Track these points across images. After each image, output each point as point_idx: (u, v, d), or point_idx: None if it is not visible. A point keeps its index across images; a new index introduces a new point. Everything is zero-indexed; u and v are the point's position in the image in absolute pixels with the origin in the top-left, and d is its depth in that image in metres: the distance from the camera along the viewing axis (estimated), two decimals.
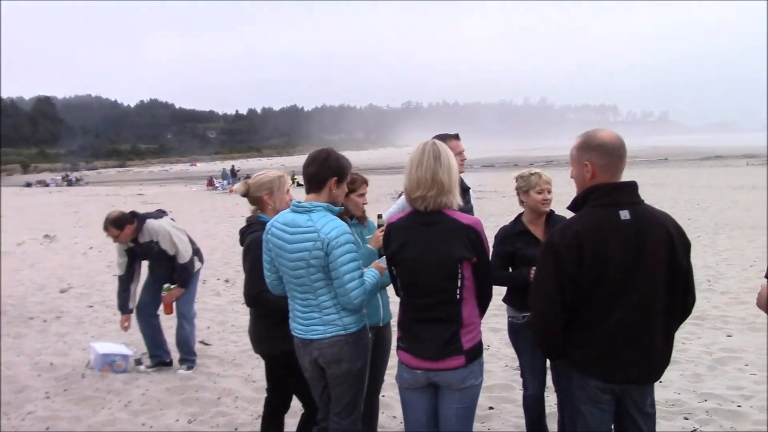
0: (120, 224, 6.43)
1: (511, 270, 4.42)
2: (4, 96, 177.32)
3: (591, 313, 2.96)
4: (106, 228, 6.51)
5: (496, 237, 4.53)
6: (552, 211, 4.46)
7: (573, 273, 2.91)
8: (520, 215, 4.54)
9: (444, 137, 4.43)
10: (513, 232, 4.45)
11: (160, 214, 6.84)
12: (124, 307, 6.70)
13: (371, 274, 3.62)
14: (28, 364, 6.84)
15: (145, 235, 6.52)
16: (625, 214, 2.93)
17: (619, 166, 3.02)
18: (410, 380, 3.42)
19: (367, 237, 4.19)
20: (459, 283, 3.22)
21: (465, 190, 4.90)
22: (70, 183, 69.38)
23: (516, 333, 4.55)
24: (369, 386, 4.36)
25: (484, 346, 6.51)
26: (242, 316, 8.47)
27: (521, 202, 4.51)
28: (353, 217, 4.25)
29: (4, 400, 5.80)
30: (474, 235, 3.22)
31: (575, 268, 2.90)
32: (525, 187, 4.44)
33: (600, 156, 3.02)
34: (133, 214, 6.58)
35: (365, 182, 4.29)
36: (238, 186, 4.46)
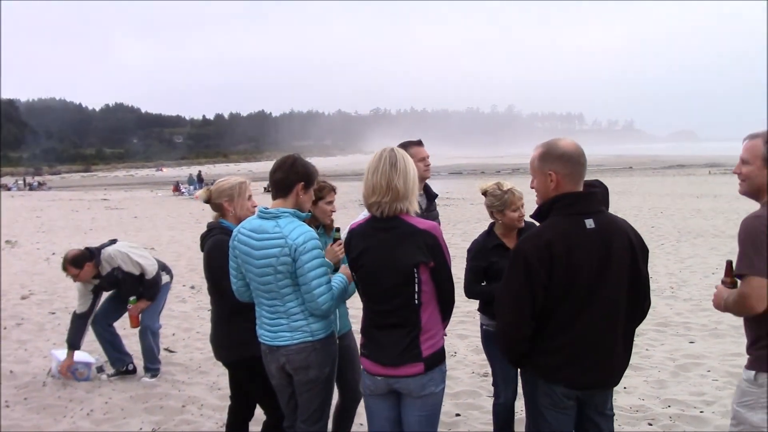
0: (79, 263, 6.25)
1: (485, 283, 4.40)
2: None
3: (559, 320, 2.99)
4: (65, 268, 6.33)
5: (469, 251, 4.49)
6: (526, 223, 4.43)
7: (544, 281, 2.93)
8: (492, 226, 4.48)
9: (407, 144, 4.45)
10: (487, 246, 4.39)
11: (111, 242, 6.69)
12: (76, 344, 6.47)
13: (339, 279, 3.63)
14: None
15: (105, 266, 6.36)
16: (590, 223, 2.97)
17: (582, 174, 3.06)
18: (372, 387, 3.41)
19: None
20: (416, 288, 3.21)
21: (432, 197, 4.90)
22: (32, 187, 68.21)
23: (489, 341, 4.52)
24: (346, 397, 4.35)
25: (451, 353, 6.56)
26: (208, 323, 8.25)
27: (495, 220, 4.43)
28: (320, 225, 4.22)
29: None
30: (431, 239, 3.22)
31: (546, 276, 2.92)
32: (500, 206, 4.34)
33: (563, 165, 3.05)
34: (90, 251, 6.40)
35: (333, 190, 4.28)
36: (201, 192, 4.43)
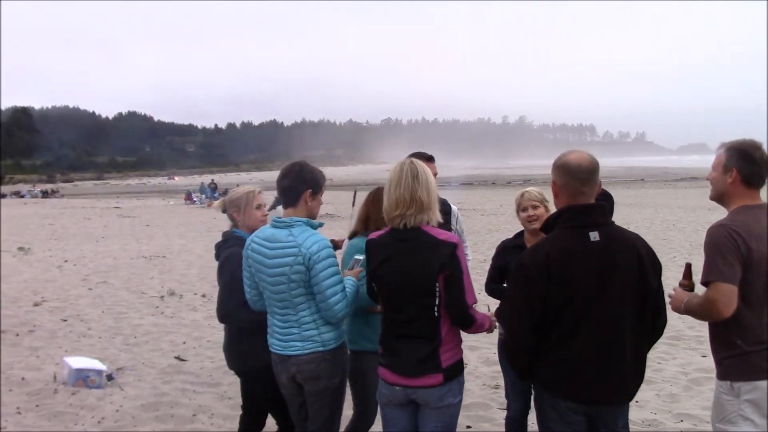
0: None
1: (505, 284, 4.41)
2: None
3: (560, 333, 2.98)
4: None
5: (496, 249, 4.61)
6: None
7: (542, 293, 2.93)
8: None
9: (418, 158, 4.45)
10: (508, 246, 4.49)
11: None
12: None
13: (349, 283, 3.64)
14: None
15: None
16: (595, 236, 2.96)
17: (580, 188, 3.03)
18: (389, 396, 3.42)
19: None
20: (436, 300, 3.22)
21: (446, 212, 4.90)
22: (45, 195, 68.62)
23: (502, 350, 4.54)
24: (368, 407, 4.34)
25: None
26: (218, 331, 8.34)
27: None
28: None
29: None
30: (449, 249, 3.22)
31: (544, 288, 2.93)
32: (517, 208, 4.50)
33: (559, 175, 3.08)
34: None
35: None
36: (218, 203, 4.48)
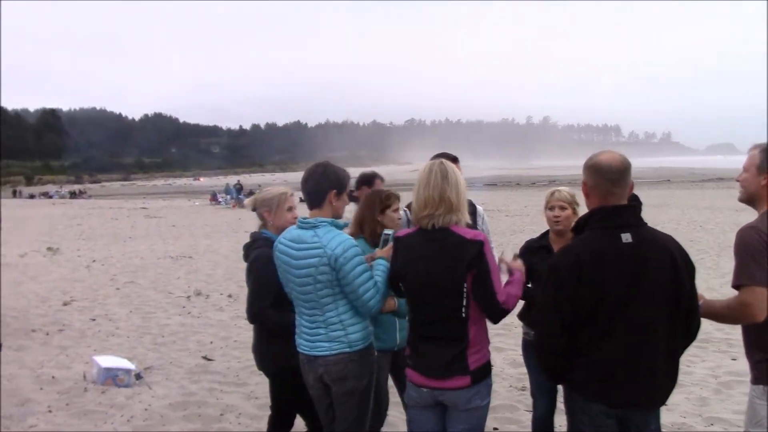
0: None
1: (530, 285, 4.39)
2: (9, 108, 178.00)
3: (591, 335, 2.95)
4: None
5: (521, 249, 4.53)
6: None
7: (572, 296, 2.91)
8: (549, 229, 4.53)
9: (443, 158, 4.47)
10: (533, 246, 4.44)
11: None
12: None
13: (379, 270, 3.60)
14: (30, 376, 6.81)
15: None
16: (626, 237, 2.92)
17: (611, 189, 2.99)
18: (417, 398, 3.42)
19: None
20: (464, 302, 3.22)
21: (472, 213, 4.90)
22: (73, 195, 69.48)
23: (527, 350, 4.57)
24: (379, 405, 4.37)
25: None
26: (245, 331, 8.45)
27: None
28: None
29: (6, 413, 5.77)
30: (477, 248, 3.21)
31: (574, 291, 2.90)
32: (545, 205, 4.48)
33: (590, 176, 3.05)
34: None
35: (398, 198, 4.38)
36: (249, 201, 4.50)
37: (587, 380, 2.99)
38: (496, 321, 3.34)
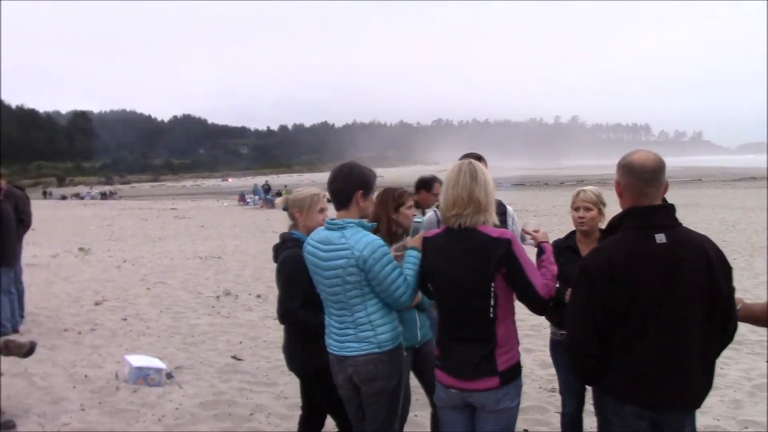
0: None
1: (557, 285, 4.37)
2: (41, 110, 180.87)
3: (624, 337, 2.91)
4: None
5: None
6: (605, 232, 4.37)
7: (605, 298, 2.87)
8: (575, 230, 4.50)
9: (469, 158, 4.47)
10: (560, 246, 4.40)
11: None
12: None
13: (411, 260, 3.58)
14: (63, 375, 6.91)
15: None
16: (661, 238, 2.88)
17: (644, 188, 2.95)
18: (446, 399, 3.41)
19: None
20: (492, 302, 3.20)
21: (502, 213, 4.89)
22: (104, 196, 70.39)
23: (554, 349, 4.56)
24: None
25: None
26: (274, 331, 8.49)
27: None
28: (405, 231, 4.26)
29: (40, 411, 5.86)
30: (504, 246, 3.19)
31: (607, 292, 2.86)
32: (571, 205, 4.45)
33: (623, 175, 3.01)
34: None
35: (411, 194, 4.36)
36: (280, 200, 4.53)
37: (620, 382, 2.96)
38: (542, 313, 3.39)
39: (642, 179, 2.95)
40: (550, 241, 3.76)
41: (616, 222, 3.03)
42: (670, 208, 3.00)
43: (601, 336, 2.93)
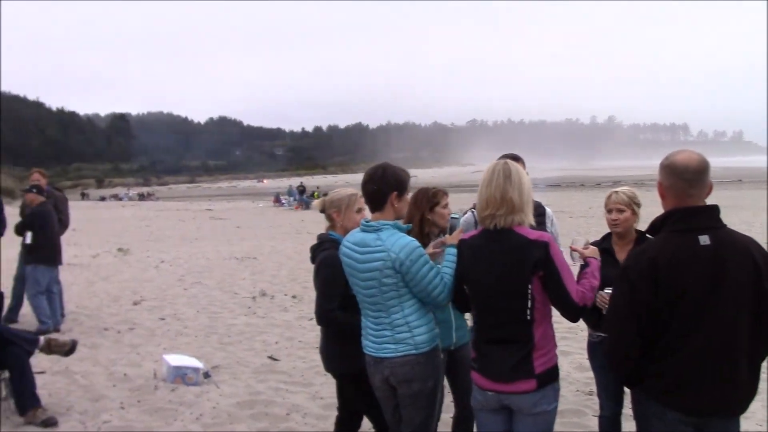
0: None
1: None
2: (81, 113, 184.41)
3: (668, 341, 2.86)
4: None
5: None
6: (642, 234, 4.31)
7: (647, 300, 2.83)
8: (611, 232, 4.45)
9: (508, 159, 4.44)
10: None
11: None
12: None
13: (449, 258, 3.58)
14: (104, 374, 7.01)
15: None
16: (704, 239, 2.83)
17: (687, 189, 2.91)
18: (483, 402, 3.40)
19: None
20: (529, 303, 3.18)
21: (540, 214, 4.86)
22: (141, 197, 71.45)
23: (592, 351, 4.53)
24: (462, 408, 4.37)
25: None
26: (309, 332, 8.53)
27: None
28: (441, 231, 4.24)
29: (81, 409, 5.96)
30: (541, 249, 3.17)
31: (650, 295, 2.82)
32: (604, 208, 4.41)
33: (666, 176, 2.96)
34: None
35: (446, 193, 4.35)
36: (317, 202, 4.54)
37: (663, 387, 2.91)
38: (575, 320, 3.36)
39: (685, 180, 2.90)
40: (597, 255, 3.72)
41: (659, 223, 2.98)
42: (714, 209, 2.94)
43: (642, 338, 2.89)
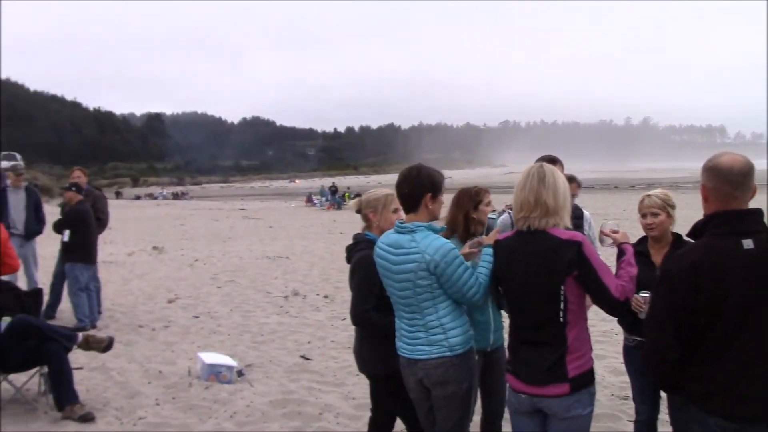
0: None
1: None
2: (117, 112, 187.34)
3: (709, 345, 2.82)
4: None
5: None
6: (679, 237, 4.26)
7: (688, 304, 2.78)
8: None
9: (542, 161, 4.41)
10: None
11: None
12: None
13: (486, 258, 3.56)
14: (139, 371, 7.10)
15: None
16: (748, 243, 2.77)
17: (731, 192, 2.85)
18: (516, 404, 3.39)
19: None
20: (561, 305, 3.16)
21: (578, 217, 4.82)
22: (175, 197, 72.27)
23: (627, 355, 4.49)
24: (489, 411, 4.36)
25: None
26: (341, 332, 8.55)
27: None
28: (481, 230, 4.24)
29: (117, 405, 6.05)
30: (575, 249, 3.15)
31: (691, 299, 2.78)
32: (638, 212, 4.35)
33: (709, 178, 2.91)
34: None
35: (488, 192, 4.36)
36: (353, 202, 4.54)
37: (704, 392, 2.86)
38: (618, 315, 3.35)
39: (730, 182, 2.85)
40: (628, 239, 3.69)
41: (701, 226, 2.94)
42: (758, 213, 2.89)
43: (681, 343, 2.85)
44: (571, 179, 5.91)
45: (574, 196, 5.88)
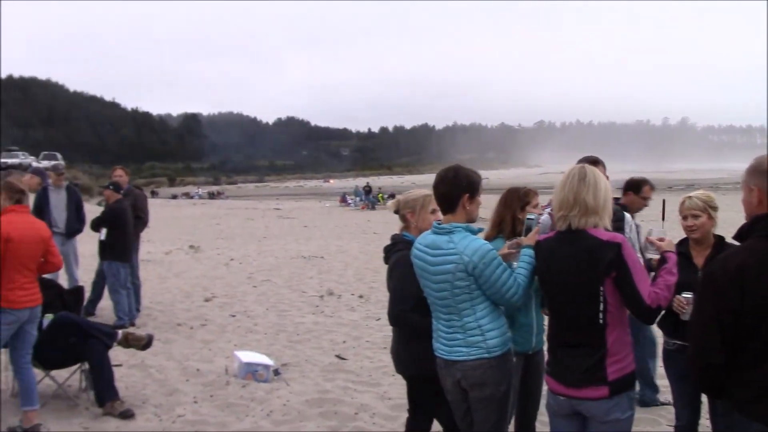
0: None
1: None
2: (154, 113, 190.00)
3: (755, 350, 2.76)
4: None
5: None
6: (721, 239, 4.20)
7: (733, 308, 2.74)
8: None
9: (584, 161, 4.37)
10: None
11: None
12: None
13: (525, 260, 3.55)
14: (177, 368, 7.19)
15: None
16: None
17: None
18: (555, 407, 3.38)
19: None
20: (601, 307, 3.13)
21: (619, 219, 4.78)
22: (211, 196, 72.98)
23: (667, 359, 4.43)
24: (524, 414, 4.34)
25: None
26: (376, 332, 8.56)
27: None
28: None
29: (156, 402, 6.13)
30: (614, 250, 3.12)
31: (736, 303, 2.73)
32: (679, 214, 4.30)
33: (764, 180, 2.85)
34: None
35: (536, 193, 4.35)
36: (391, 203, 4.54)
37: (749, 398, 2.81)
38: (648, 322, 3.31)
39: None
40: (673, 247, 3.64)
41: (747, 228, 2.89)
42: None
43: (727, 346, 2.80)
44: (644, 181, 5.85)
45: (645, 198, 5.85)
